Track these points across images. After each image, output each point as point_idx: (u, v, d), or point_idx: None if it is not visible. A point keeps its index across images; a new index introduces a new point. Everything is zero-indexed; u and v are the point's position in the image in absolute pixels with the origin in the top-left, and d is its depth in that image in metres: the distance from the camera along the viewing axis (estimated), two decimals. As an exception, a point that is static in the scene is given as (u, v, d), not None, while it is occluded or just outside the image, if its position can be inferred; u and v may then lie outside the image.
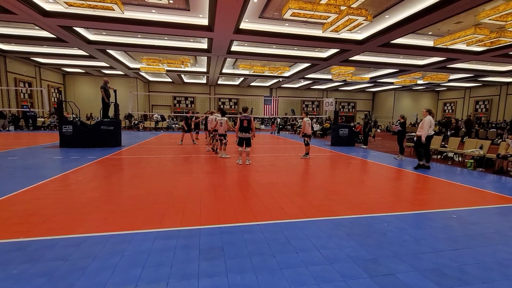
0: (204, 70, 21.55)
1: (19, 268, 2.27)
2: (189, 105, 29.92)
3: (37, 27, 12.06)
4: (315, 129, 19.50)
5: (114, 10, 8.22)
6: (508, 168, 7.13)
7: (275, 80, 25.97)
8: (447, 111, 31.27)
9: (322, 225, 3.35)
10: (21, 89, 19.48)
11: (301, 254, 2.62)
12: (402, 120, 9.28)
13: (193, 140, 12.61)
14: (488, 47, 12.37)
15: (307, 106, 33.23)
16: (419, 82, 22.86)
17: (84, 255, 2.51)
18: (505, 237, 3.17)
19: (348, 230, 3.22)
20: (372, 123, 15.68)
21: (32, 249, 2.60)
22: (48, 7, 10.13)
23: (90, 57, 17.53)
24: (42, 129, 19.25)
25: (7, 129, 17.65)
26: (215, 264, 2.42)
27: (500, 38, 9.72)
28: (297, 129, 21.21)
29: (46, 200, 4.03)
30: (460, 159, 8.54)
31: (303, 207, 4.00)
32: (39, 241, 2.75)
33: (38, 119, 19.69)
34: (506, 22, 8.20)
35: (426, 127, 7.10)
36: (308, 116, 8.96)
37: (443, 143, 9.29)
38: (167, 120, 23.32)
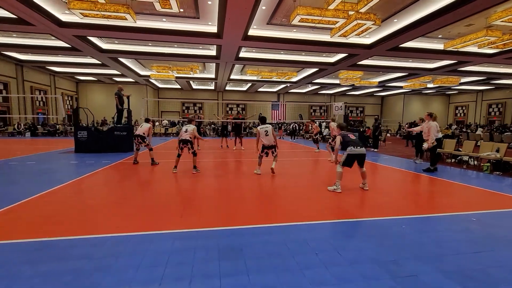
0: (213, 76, 21.86)
1: (47, 266, 2.34)
2: (198, 111, 30.30)
3: (53, 37, 12.54)
4: (323, 134, 19.41)
5: (127, 19, 8.50)
6: (526, 172, 6.95)
7: (282, 86, 26.08)
8: (458, 114, 30.69)
9: (340, 227, 3.34)
10: (37, 97, 20.16)
11: (320, 255, 2.62)
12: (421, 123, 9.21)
13: (221, 145, 12.68)
14: (501, 49, 12.16)
15: (314, 111, 33.17)
16: (429, 85, 22.56)
17: (107, 254, 2.57)
18: (529, 240, 3.09)
19: (366, 232, 3.20)
20: (381, 127, 15.53)
21: (58, 248, 2.68)
22: (64, 18, 10.54)
23: (102, 65, 18.05)
24: (57, 135, 19.77)
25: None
26: (235, 264, 2.44)
27: (513, 40, 9.60)
28: (306, 134, 21.22)
29: (67, 202, 4.14)
30: (475, 162, 8.35)
31: (320, 209, 3.99)
32: (63, 241, 2.83)
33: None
34: (519, 23, 8.11)
35: (434, 132, 7.05)
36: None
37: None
38: (176, 126, 23.61)
